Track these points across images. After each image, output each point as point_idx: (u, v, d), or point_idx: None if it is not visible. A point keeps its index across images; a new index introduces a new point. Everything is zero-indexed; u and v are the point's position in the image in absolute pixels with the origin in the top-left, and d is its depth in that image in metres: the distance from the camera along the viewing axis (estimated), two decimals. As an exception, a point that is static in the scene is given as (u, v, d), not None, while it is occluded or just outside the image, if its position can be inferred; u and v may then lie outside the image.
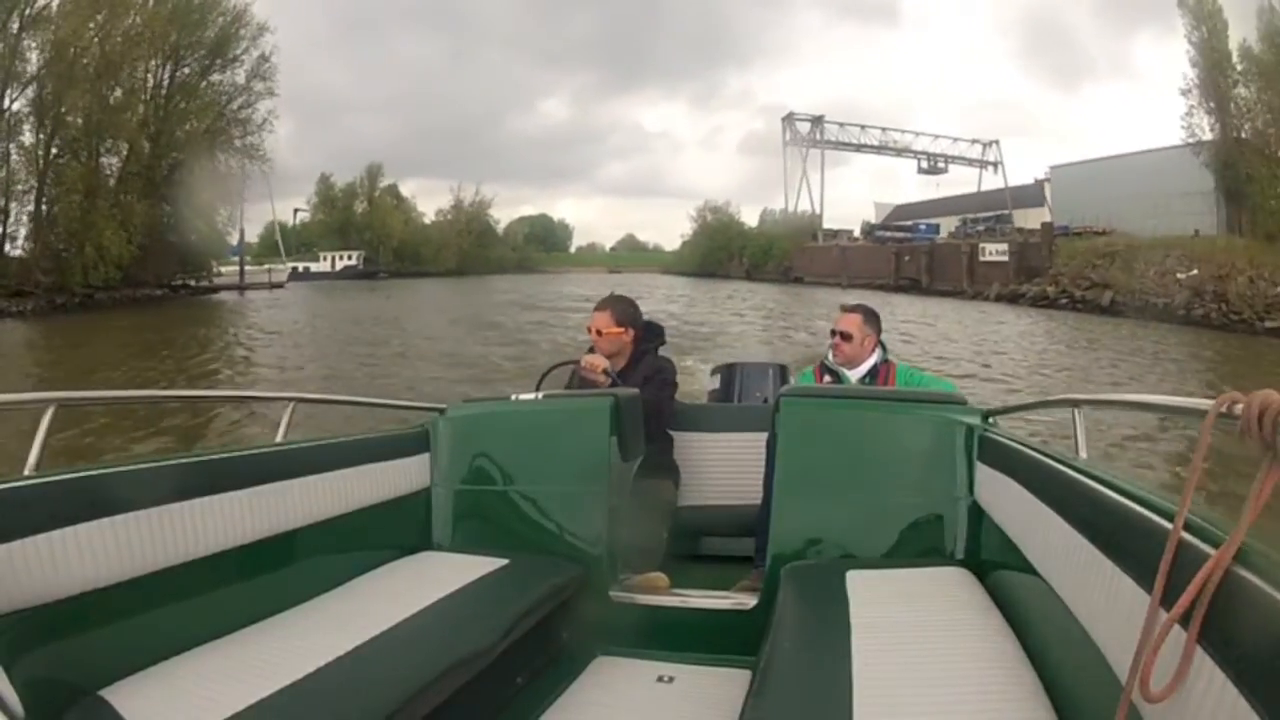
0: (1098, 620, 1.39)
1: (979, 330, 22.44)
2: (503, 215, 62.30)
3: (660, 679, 2.48)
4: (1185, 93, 31.57)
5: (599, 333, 3.33)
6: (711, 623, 2.68)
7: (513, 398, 3.18)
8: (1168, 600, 1.08)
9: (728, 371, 4.46)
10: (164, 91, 30.29)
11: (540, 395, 3.13)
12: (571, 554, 2.79)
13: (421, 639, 2.01)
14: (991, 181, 43.62)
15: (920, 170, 45.75)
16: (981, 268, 34.48)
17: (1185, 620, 1.04)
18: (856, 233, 46.83)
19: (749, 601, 2.67)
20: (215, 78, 31.94)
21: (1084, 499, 1.57)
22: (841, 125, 45.54)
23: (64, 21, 27.16)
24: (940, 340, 19.35)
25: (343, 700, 1.65)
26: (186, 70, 30.96)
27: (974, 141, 44.40)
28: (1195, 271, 26.52)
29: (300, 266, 39.79)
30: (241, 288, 34.99)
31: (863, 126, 45.57)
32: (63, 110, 27.47)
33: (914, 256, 38.65)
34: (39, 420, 1.86)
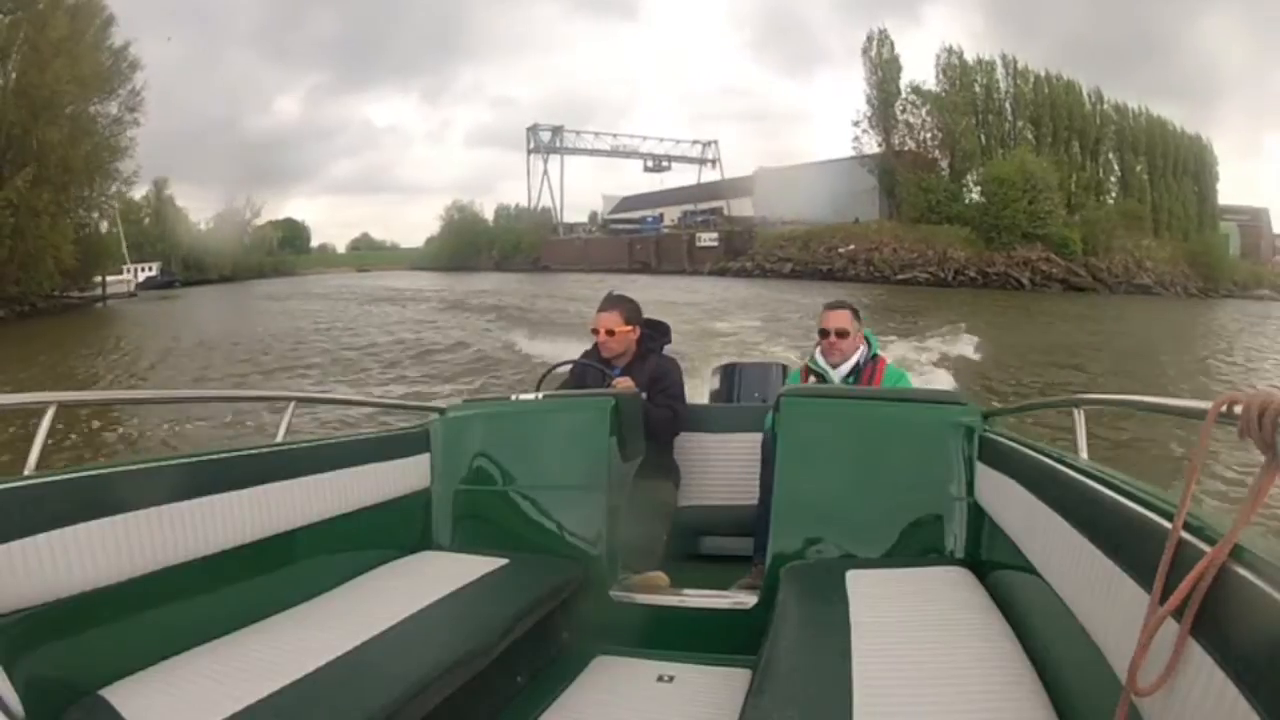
0: (1098, 620, 1.39)
1: (699, 291, 31.12)
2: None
3: (660, 678, 2.47)
4: (856, 123, 45.68)
5: (610, 333, 3.30)
6: (711, 622, 2.67)
7: (513, 398, 3.19)
8: (1166, 600, 1.08)
9: (727, 371, 4.45)
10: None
11: (540, 395, 3.14)
12: (571, 554, 2.79)
13: (421, 638, 2.01)
14: (711, 175, 53.47)
15: (646, 169, 54.60)
16: (699, 251, 46.01)
17: (1180, 616, 1.05)
18: (584, 219, 55.45)
19: (749, 601, 2.67)
20: (94, 108, 33.14)
21: (1084, 499, 1.57)
22: (578, 133, 54.37)
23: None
24: (670, 301, 24.88)
25: (343, 699, 1.65)
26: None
27: (695, 142, 54.04)
28: (852, 246, 40.56)
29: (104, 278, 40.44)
30: (104, 298, 36.06)
31: (596, 134, 55.13)
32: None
33: (644, 245, 48.74)
34: (39, 420, 1.86)
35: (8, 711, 1.43)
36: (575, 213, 58.40)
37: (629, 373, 3.29)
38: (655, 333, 3.45)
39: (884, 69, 44.49)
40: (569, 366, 3.51)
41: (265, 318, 27.89)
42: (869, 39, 45.03)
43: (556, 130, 55.02)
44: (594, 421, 2.88)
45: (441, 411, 3.18)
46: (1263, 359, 19.64)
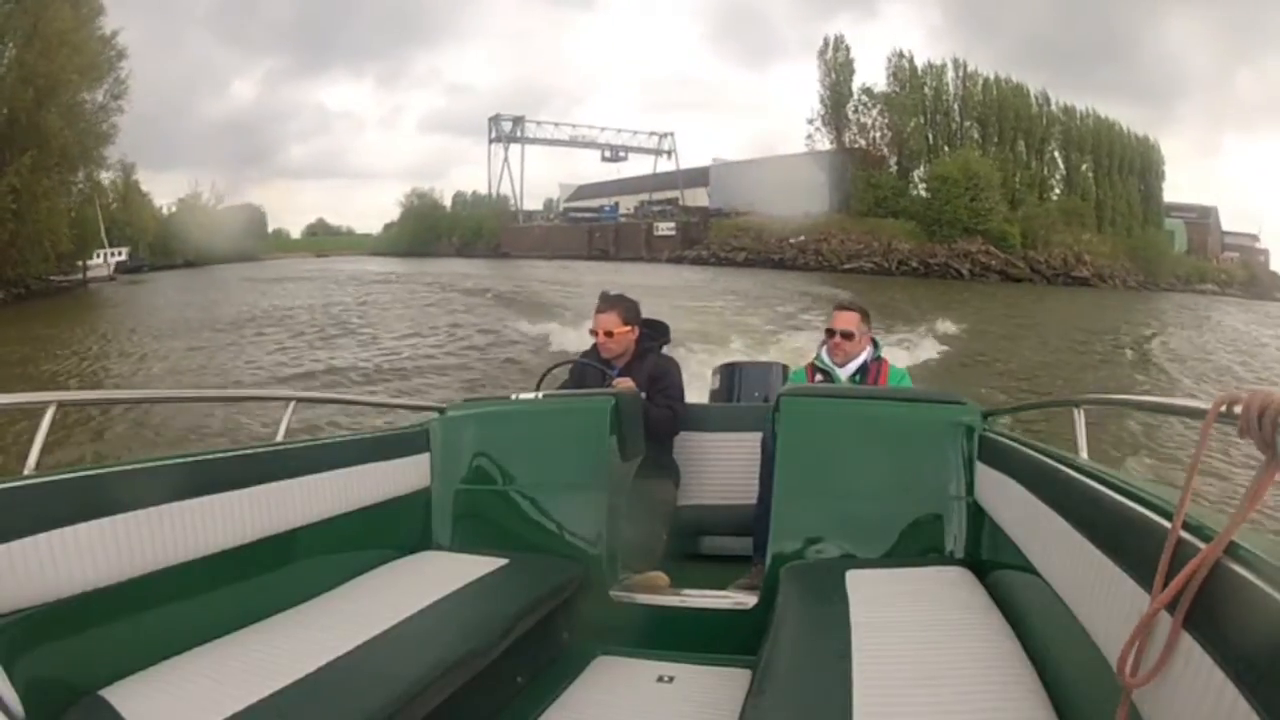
0: (1098, 619, 1.39)
1: (656, 278, 32.79)
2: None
3: (660, 678, 2.47)
4: (810, 121, 48.86)
5: (608, 333, 3.29)
6: (712, 622, 2.67)
7: (513, 397, 3.18)
8: (1175, 611, 1.07)
9: (728, 371, 4.45)
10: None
11: (540, 395, 3.13)
12: (571, 553, 2.78)
13: (422, 638, 2.01)
14: (666, 165, 55.79)
15: (604, 159, 56.68)
16: (656, 240, 48.05)
17: (1174, 610, 1.05)
18: (540, 206, 57.93)
19: (749, 601, 2.67)
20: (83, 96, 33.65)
21: (1084, 498, 1.57)
22: (539, 124, 56.20)
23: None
24: (631, 284, 25.13)
25: (343, 699, 1.65)
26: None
27: (651, 133, 55.71)
28: (803, 237, 43.08)
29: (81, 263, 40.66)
30: (85, 282, 36.41)
31: (556, 124, 56.61)
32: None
33: (603, 233, 50.80)
34: (39, 420, 1.85)
35: (8, 711, 1.42)
36: (532, 200, 60.06)
37: (628, 372, 3.29)
38: (654, 332, 3.45)
39: (838, 71, 47.06)
40: (569, 366, 3.51)
41: (281, 297, 28.48)
42: (825, 43, 47.52)
43: (518, 120, 56.61)
44: (594, 421, 2.87)
45: (441, 411, 3.17)
46: (1146, 342, 21.28)
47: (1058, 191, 46.27)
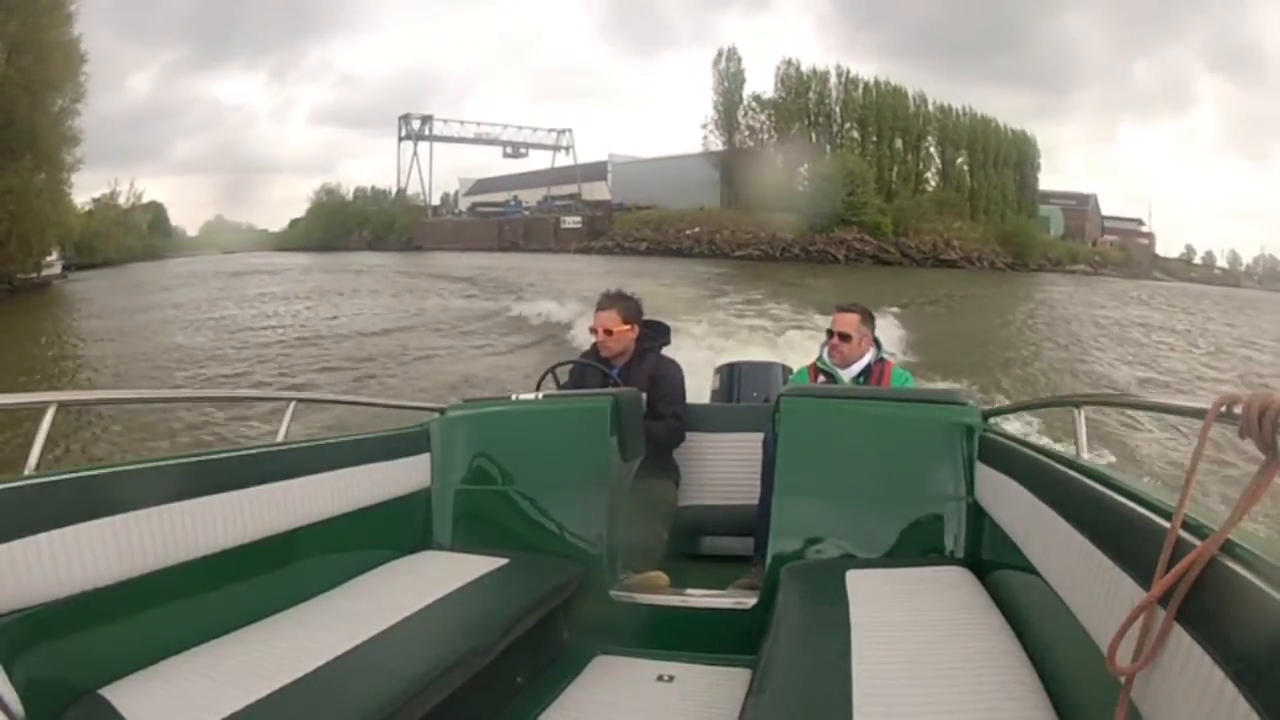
0: (1097, 619, 1.38)
1: (572, 266, 36.66)
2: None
3: (660, 678, 2.46)
4: (704, 125, 53.38)
5: (608, 332, 3.26)
6: (712, 622, 2.67)
7: (513, 397, 3.16)
8: (1164, 599, 1.08)
9: (728, 371, 4.44)
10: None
11: (540, 395, 3.12)
12: (571, 553, 2.78)
13: (422, 638, 2.01)
14: (564, 160, 59.79)
15: (505, 155, 60.41)
16: (564, 233, 51.74)
17: (1167, 604, 1.06)
18: (437, 201, 61.21)
19: (749, 601, 2.66)
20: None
21: (1084, 499, 1.57)
22: (445, 122, 59.83)
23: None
24: (544, 272, 32.06)
25: (343, 699, 1.65)
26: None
27: (550, 130, 59.41)
28: (699, 229, 47.62)
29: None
30: (43, 281, 36.59)
31: (462, 122, 59.92)
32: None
33: (513, 226, 54.26)
34: (39, 420, 1.85)
35: (8, 711, 1.42)
36: (432, 193, 62.81)
37: (628, 373, 3.27)
38: (654, 332, 3.42)
39: (730, 80, 52.03)
40: (569, 366, 3.49)
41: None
42: (719, 53, 52.23)
43: (426, 119, 59.91)
44: (594, 421, 2.86)
45: (441, 411, 3.15)
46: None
47: (933, 184, 50.45)
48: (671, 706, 2.31)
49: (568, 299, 19.17)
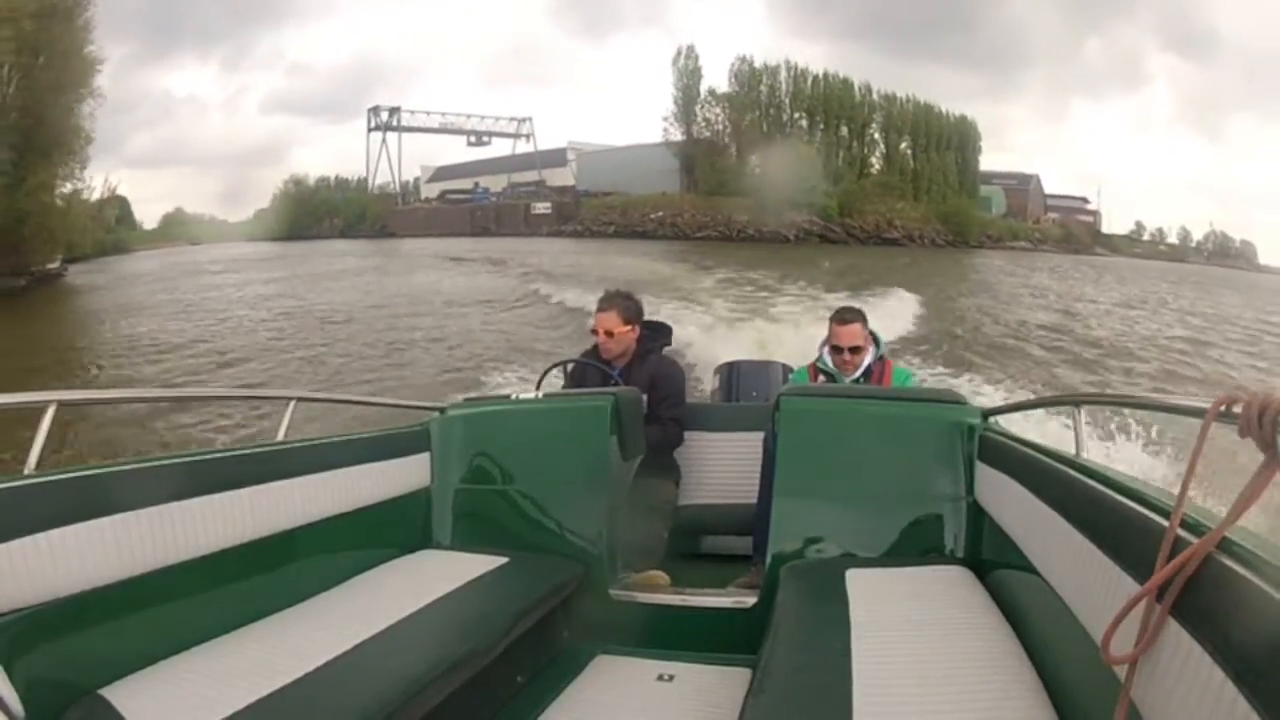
0: (1097, 618, 1.37)
1: (548, 248, 39.65)
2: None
3: (660, 677, 2.46)
4: (664, 118, 56.09)
5: (609, 333, 3.25)
6: (712, 621, 2.67)
7: (513, 397, 3.17)
8: (1161, 594, 1.08)
9: (728, 370, 4.43)
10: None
11: (540, 394, 3.11)
12: (571, 552, 2.78)
13: (422, 637, 2.01)
14: (525, 147, 62.36)
15: (469, 144, 62.46)
16: (534, 218, 54.38)
17: (1162, 598, 1.07)
18: (397, 187, 63.21)
19: (749, 600, 2.66)
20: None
21: (1083, 498, 1.57)
22: (412, 113, 61.57)
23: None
24: (525, 253, 35.21)
25: (343, 698, 1.65)
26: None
27: (511, 119, 61.79)
28: (661, 213, 50.97)
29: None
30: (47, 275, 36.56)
31: (428, 113, 61.66)
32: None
33: (484, 212, 56.45)
34: (39, 420, 1.85)
35: (8, 711, 1.42)
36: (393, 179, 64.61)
37: (629, 373, 3.27)
38: (655, 333, 3.41)
39: (688, 77, 55.70)
40: (569, 366, 3.48)
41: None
42: (678, 51, 55.77)
43: (394, 110, 61.59)
44: (594, 421, 2.86)
45: (441, 410, 3.15)
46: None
47: (878, 168, 53.59)
48: (671, 706, 2.31)
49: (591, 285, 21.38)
